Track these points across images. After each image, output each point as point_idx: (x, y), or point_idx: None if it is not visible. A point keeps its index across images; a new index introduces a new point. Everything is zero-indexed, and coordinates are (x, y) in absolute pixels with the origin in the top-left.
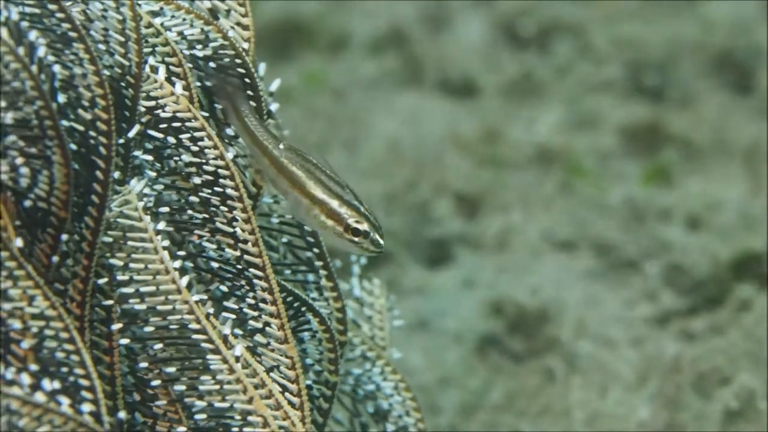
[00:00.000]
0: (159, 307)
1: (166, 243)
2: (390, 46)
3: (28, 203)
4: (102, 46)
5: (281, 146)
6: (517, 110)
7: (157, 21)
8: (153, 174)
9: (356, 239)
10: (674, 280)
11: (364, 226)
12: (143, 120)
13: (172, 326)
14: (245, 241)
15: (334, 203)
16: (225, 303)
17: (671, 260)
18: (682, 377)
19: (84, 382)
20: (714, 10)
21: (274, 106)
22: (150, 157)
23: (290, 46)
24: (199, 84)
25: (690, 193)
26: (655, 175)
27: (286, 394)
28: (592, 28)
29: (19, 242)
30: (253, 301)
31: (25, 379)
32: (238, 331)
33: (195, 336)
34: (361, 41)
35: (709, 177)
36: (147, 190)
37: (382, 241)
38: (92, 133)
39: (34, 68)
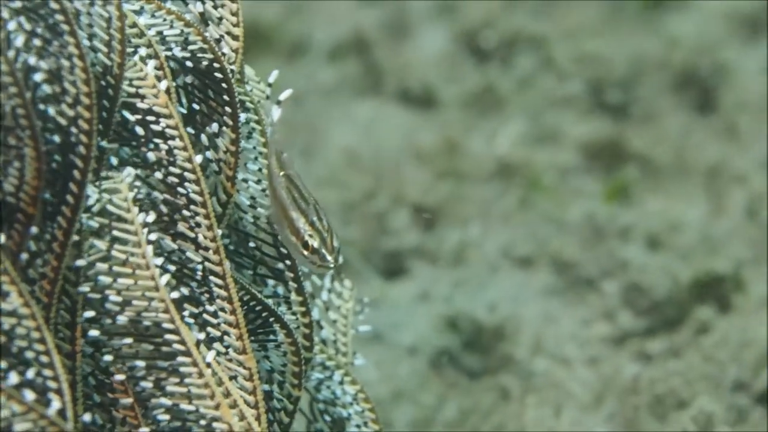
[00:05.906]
0: (135, 302)
1: (153, 237)
2: (350, 53)
3: None
4: (86, 42)
5: (281, 174)
6: (478, 122)
7: (141, 20)
8: (115, 162)
9: (305, 253)
10: (633, 300)
11: (313, 241)
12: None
13: (145, 323)
14: (206, 248)
15: (299, 221)
16: (187, 306)
17: (630, 280)
18: (639, 399)
19: (52, 384)
20: (678, 28)
21: (276, 114)
22: (115, 145)
23: (248, 50)
24: (180, 84)
25: (650, 212)
26: (615, 193)
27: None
28: (554, 42)
29: (2, 238)
30: (212, 309)
31: None
32: (200, 336)
33: (168, 336)
34: (320, 47)
35: (670, 196)
36: (138, 182)
37: (329, 258)
38: (74, 130)
39: (11, 54)
